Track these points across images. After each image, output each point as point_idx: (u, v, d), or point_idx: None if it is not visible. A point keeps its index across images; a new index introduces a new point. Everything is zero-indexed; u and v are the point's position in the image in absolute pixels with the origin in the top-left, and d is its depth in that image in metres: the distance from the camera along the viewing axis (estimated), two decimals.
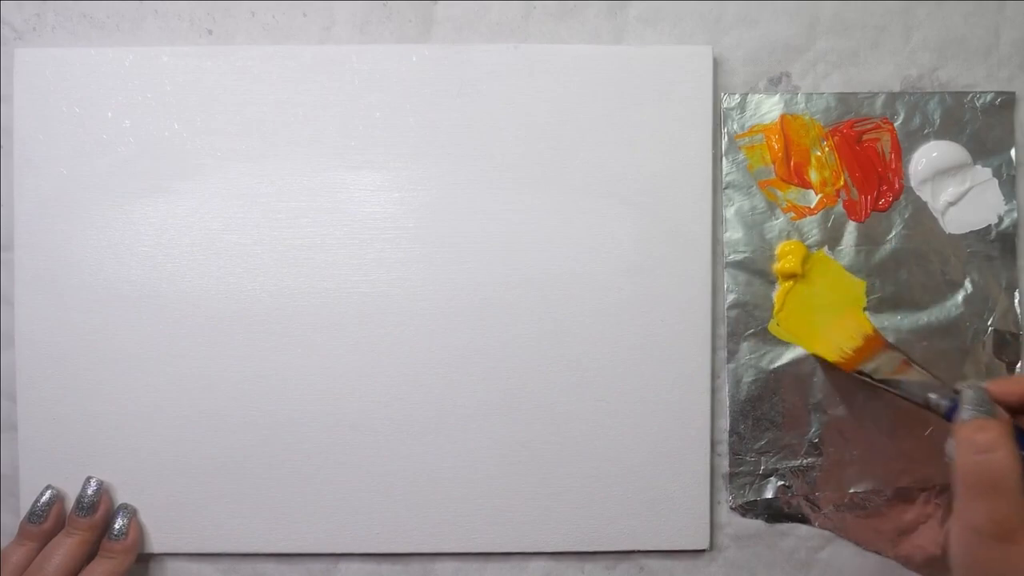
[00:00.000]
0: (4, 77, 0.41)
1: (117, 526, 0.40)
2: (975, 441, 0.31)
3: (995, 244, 0.42)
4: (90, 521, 0.40)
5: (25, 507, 0.40)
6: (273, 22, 0.42)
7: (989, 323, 0.42)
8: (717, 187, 0.42)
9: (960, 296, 0.42)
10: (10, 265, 0.41)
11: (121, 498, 0.41)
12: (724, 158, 0.42)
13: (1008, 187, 0.42)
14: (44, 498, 0.40)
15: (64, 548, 0.39)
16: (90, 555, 0.40)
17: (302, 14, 0.42)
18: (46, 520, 0.40)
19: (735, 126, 0.42)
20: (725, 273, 0.42)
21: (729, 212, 0.42)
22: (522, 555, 0.42)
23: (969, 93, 0.42)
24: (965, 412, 0.32)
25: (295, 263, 0.41)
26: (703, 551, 0.42)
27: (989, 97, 0.42)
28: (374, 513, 0.41)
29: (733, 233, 0.42)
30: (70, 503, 0.40)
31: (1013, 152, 0.42)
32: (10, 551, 0.39)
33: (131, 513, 0.41)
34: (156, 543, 0.41)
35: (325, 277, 0.41)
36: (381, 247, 0.41)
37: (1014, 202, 0.42)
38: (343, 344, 0.41)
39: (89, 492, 0.40)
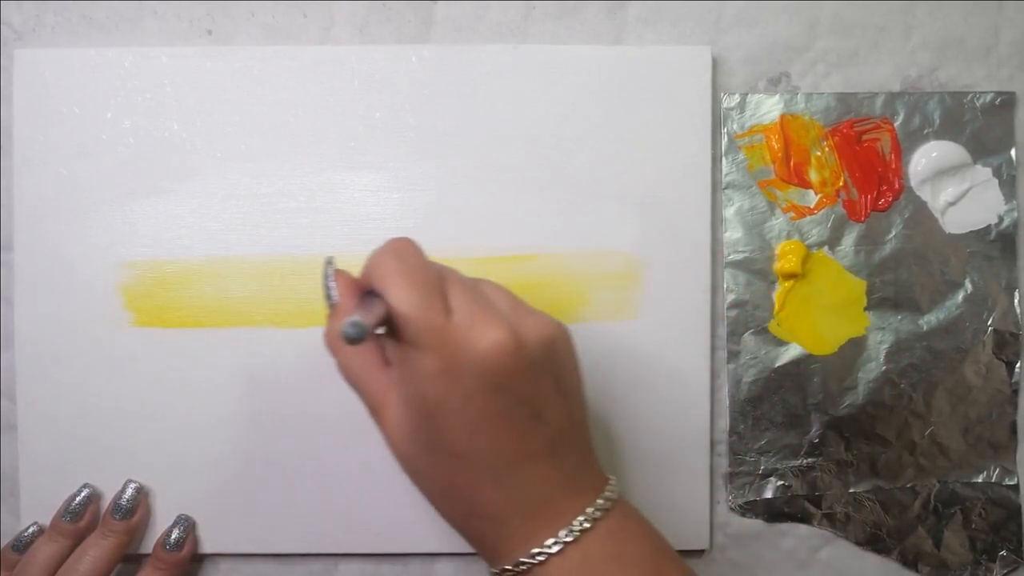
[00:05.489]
0: (4, 77, 0.41)
1: (126, 496, 0.39)
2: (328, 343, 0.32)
3: (995, 244, 0.42)
4: (126, 524, 0.39)
5: (27, 507, 0.40)
6: (273, 22, 0.42)
7: (989, 323, 0.42)
8: (717, 187, 0.42)
9: (960, 296, 0.42)
10: (10, 265, 0.41)
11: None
12: (724, 158, 0.42)
13: (1008, 187, 0.42)
14: (81, 496, 0.39)
15: (98, 549, 0.38)
16: (123, 559, 0.39)
17: (302, 14, 0.42)
18: (82, 518, 0.39)
19: (735, 126, 0.42)
20: (725, 273, 0.42)
21: (729, 212, 0.42)
22: None
23: (969, 93, 0.42)
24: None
25: (295, 263, 0.41)
26: (703, 551, 0.42)
27: (989, 97, 0.42)
28: (374, 513, 0.41)
29: (733, 233, 0.42)
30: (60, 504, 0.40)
31: (1013, 152, 0.42)
32: (40, 546, 0.38)
33: (142, 493, 0.40)
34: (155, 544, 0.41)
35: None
36: None
37: (1014, 202, 0.42)
38: None
39: (127, 495, 0.40)
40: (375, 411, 0.31)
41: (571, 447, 0.31)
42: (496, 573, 0.30)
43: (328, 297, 0.31)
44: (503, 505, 0.29)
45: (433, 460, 0.30)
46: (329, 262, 0.32)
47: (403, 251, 0.30)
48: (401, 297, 0.28)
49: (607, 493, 0.31)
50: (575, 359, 0.32)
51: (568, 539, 0.29)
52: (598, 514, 0.30)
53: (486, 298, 0.30)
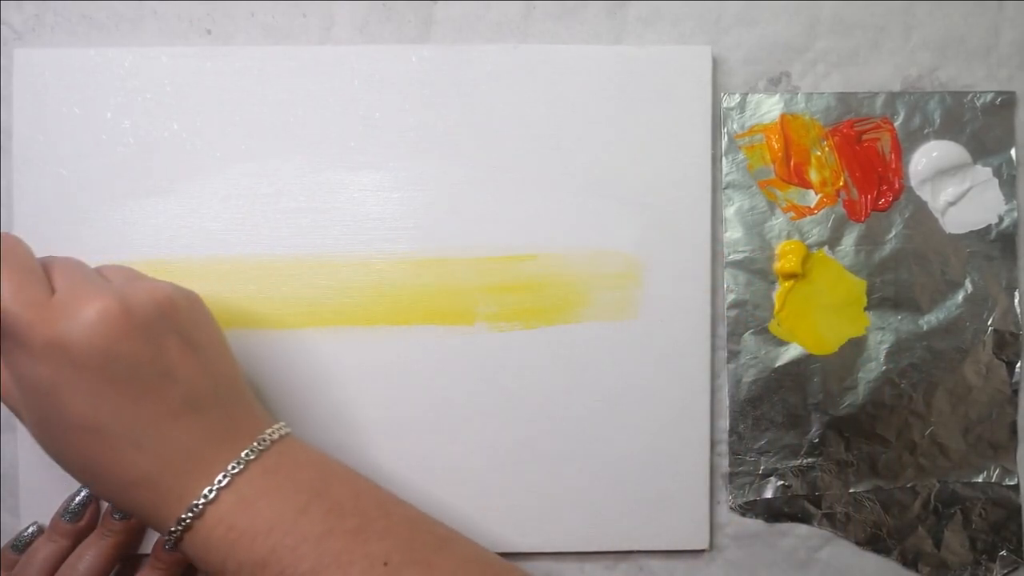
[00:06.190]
0: (3, 77, 0.41)
1: None
2: None
3: (995, 244, 0.42)
4: (126, 524, 0.39)
5: (27, 507, 0.40)
6: (273, 22, 0.42)
7: (989, 323, 0.42)
8: (717, 187, 0.42)
9: (960, 296, 0.42)
10: None
11: None
12: (724, 158, 0.42)
13: (1008, 187, 0.42)
14: (81, 496, 0.39)
15: (97, 549, 0.38)
16: (123, 559, 0.39)
17: (302, 14, 0.42)
18: (82, 518, 0.39)
19: (735, 126, 0.42)
20: (725, 273, 0.42)
21: (729, 212, 0.42)
22: (522, 555, 0.42)
23: (969, 93, 0.42)
24: None
25: (295, 263, 0.41)
26: (703, 551, 0.42)
27: (989, 97, 0.42)
28: None
29: (733, 233, 0.42)
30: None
31: (1013, 152, 0.42)
32: (40, 546, 0.38)
33: None
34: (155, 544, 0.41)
35: (324, 276, 0.41)
36: (381, 247, 0.41)
37: (1014, 202, 0.42)
38: (342, 344, 0.41)
39: None
40: (15, 413, 0.32)
41: (216, 399, 0.31)
42: (166, 539, 0.30)
43: None
44: (151, 468, 0.30)
45: (68, 440, 0.30)
46: None
47: None
48: None
49: (263, 436, 0.31)
50: (207, 317, 0.33)
51: (221, 484, 0.30)
52: (252, 455, 0.30)
53: (97, 275, 0.31)
